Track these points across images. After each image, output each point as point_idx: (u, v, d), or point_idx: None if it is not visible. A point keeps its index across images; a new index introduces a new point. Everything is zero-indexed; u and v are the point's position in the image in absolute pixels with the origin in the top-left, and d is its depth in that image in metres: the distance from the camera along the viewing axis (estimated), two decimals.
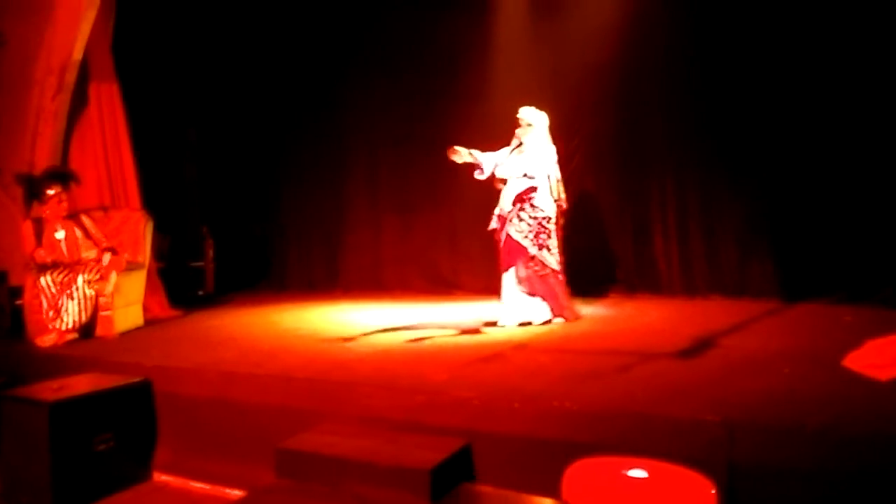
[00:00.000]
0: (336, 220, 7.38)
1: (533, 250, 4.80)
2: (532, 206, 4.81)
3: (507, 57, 6.31)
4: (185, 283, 7.09)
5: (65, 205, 5.17)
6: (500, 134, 5.21)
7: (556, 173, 4.92)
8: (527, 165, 4.84)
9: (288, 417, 3.34)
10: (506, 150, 4.97)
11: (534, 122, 4.92)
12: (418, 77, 6.73)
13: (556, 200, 4.91)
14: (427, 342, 4.37)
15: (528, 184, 4.80)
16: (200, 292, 7.33)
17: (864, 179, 4.95)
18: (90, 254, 5.09)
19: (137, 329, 5.27)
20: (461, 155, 4.89)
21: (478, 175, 4.98)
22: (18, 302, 5.21)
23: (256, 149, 7.74)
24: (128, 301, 5.27)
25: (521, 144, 4.93)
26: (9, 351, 4.74)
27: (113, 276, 5.05)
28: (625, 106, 5.97)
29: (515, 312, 4.82)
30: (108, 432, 3.53)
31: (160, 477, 3.71)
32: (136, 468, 3.68)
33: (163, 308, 5.92)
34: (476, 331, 4.72)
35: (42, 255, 4.95)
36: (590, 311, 5.32)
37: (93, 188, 5.85)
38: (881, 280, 4.79)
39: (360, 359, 3.95)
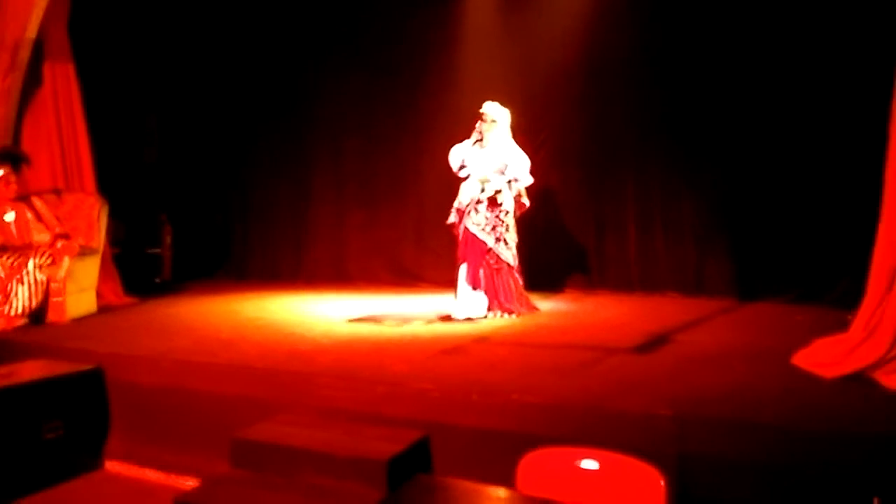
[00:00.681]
0: (300, 211, 7.31)
1: (490, 243, 4.83)
2: (492, 198, 4.85)
3: (473, 52, 6.33)
4: (141, 269, 6.94)
5: (14, 186, 5.01)
6: (465, 128, 5.22)
7: (526, 178, 4.95)
8: (494, 163, 4.87)
9: (245, 408, 3.31)
10: (467, 143, 5.00)
11: (497, 119, 4.95)
12: (385, 70, 6.70)
13: (517, 198, 4.96)
14: (388, 334, 4.37)
15: (494, 186, 4.83)
16: (157, 280, 7.18)
17: (819, 183, 5.10)
18: (42, 237, 4.95)
19: (90, 316, 5.14)
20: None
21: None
22: None
23: (220, 135, 7.60)
24: (80, 287, 5.14)
25: (481, 139, 4.95)
26: None
27: (65, 261, 4.91)
28: (590, 103, 6.03)
29: (466, 306, 4.85)
30: (57, 420, 3.45)
31: (112, 466, 3.65)
32: (87, 457, 3.61)
33: (117, 295, 5.78)
34: (437, 323, 4.73)
35: None
36: (549, 305, 5.38)
37: (46, 170, 5.67)
38: (832, 281, 4.95)
39: (320, 349, 3.92)
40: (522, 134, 5.23)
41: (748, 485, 2.46)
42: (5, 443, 3.22)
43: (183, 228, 7.54)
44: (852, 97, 4.79)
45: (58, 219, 5.15)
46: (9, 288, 4.70)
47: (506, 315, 4.86)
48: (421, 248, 6.77)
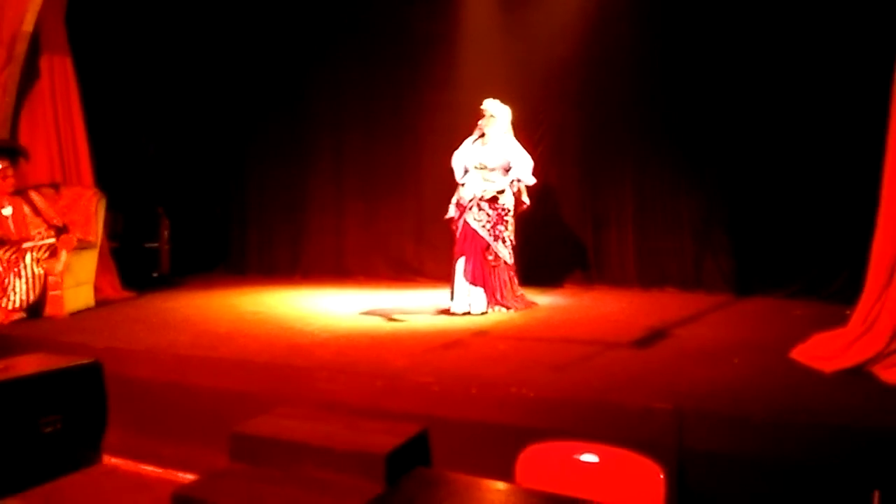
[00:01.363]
0: (299, 205, 7.29)
1: (489, 240, 4.84)
2: (493, 197, 4.85)
3: (473, 47, 6.30)
4: (139, 264, 6.92)
5: (11, 181, 5.00)
6: (464, 123, 5.21)
7: (529, 179, 4.94)
8: (495, 159, 4.87)
9: (244, 402, 3.30)
10: (467, 141, 5.00)
11: (497, 115, 4.94)
12: (385, 65, 6.69)
13: (516, 195, 4.96)
14: (388, 328, 4.37)
15: (496, 186, 4.83)
16: (155, 274, 7.17)
17: (817, 178, 5.09)
18: (39, 231, 4.93)
19: (88, 310, 5.13)
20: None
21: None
22: None
23: (218, 129, 7.58)
24: (78, 281, 5.13)
25: (483, 136, 4.95)
26: None
27: (63, 255, 4.90)
28: (588, 99, 6.02)
29: (464, 301, 4.85)
30: (55, 414, 3.44)
31: (110, 460, 3.63)
32: (86, 451, 3.60)
33: (115, 289, 5.77)
34: (436, 317, 4.73)
35: None
36: (548, 300, 5.38)
37: (43, 164, 5.65)
38: (831, 276, 4.95)
39: (320, 343, 3.92)
40: (521, 130, 5.22)
41: (747, 478, 2.46)
42: (3, 437, 3.21)
43: (181, 222, 7.52)
44: (851, 92, 4.78)
45: (56, 212, 5.13)
46: (6, 282, 4.68)
47: (503, 310, 4.86)
48: (420, 243, 6.76)
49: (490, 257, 4.86)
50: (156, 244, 7.29)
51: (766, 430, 2.48)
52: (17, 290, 4.70)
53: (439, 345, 3.83)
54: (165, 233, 7.34)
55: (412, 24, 6.52)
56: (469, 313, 4.78)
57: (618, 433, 2.47)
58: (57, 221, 5.03)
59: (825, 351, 3.20)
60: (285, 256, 7.37)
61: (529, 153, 5.04)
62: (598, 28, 5.87)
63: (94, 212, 5.42)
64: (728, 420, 2.55)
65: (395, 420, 2.96)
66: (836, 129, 4.96)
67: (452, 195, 5.06)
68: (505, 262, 4.91)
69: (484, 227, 4.86)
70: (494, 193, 4.85)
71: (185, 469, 3.30)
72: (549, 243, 6.13)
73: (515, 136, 5.06)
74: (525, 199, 5.06)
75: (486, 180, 4.88)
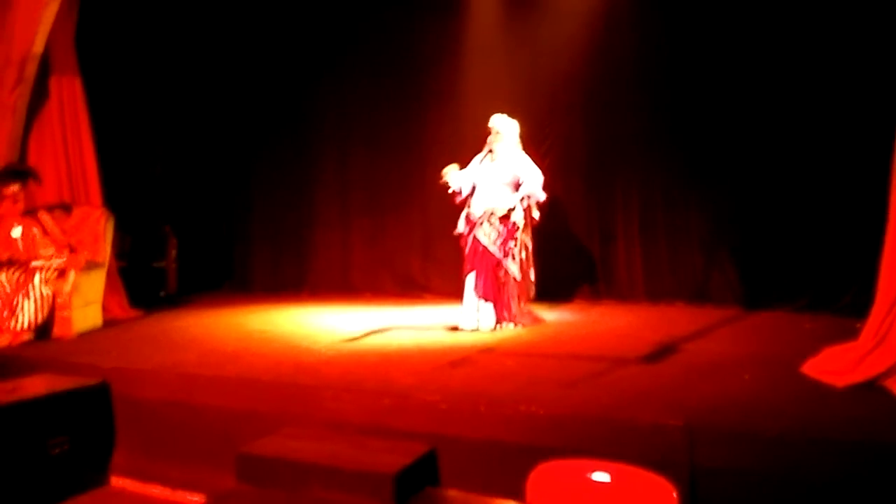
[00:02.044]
0: (305, 222, 7.31)
1: (499, 256, 4.83)
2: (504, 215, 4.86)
3: (479, 61, 6.33)
4: (146, 283, 6.93)
5: (20, 205, 5.05)
6: (470, 137, 5.23)
7: (539, 195, 4.93)
8: (504, 176, 4.87)
9: (251, 421, 3.29)
10: (476, 159, 5.01)
11: (504, 131, 4.95)
12: (391, 80, 6.72)
13: (526, 211, 4.95)
14: (395, 345, 4.35)
15: (507, 204, 4.82)
16: (162, 293, 7.17)
17: (826, 190, 5.07)
18: (48, 252, 4.96)
19: (96, 330, 5.14)
20: (450, 179, 4.95)
21: (458, 199, 5.01)
22: None
23: (225, 147, 7.63)
24: (86, 301, 5.14)
25: (491, 152, 4.96)
26: None
27: (71, 275, 4.92)
28: (595, 111, 6.03)
29: (473, 317, 4.83)
30: (63, 436, 3.44)
31: (118, 481, 3.62)
32: (93, 473, 3.59)
33: (123, 308, 5.78)
34: (444, 334, 4.71)
35: None
36: (555, 316, 5.36)
37: (52, 184, 5.69)
38: (841, 289, 4.91)
39: (326, 362, 3.91)
40: (527, 143, 5.22)
41: (760, 495, 2.43)
42: (11, 458, 3.21)
43: (188, 241, 7.55)
44: (859, 105, 4.77)
45: (64, 233, 5.16)
46: (15, 302, 4.70)
47: (511, 326, 4.84)
48: (427, 259, 6.76)
49: (501, 273, 4.85)
50: (163, 263, 7.31)
51: (778, 446, 2.45)
52: (26, 310, 4.71)
53: (446, 362, 3.81)
54: (173, 252, 7.36)
55: (418, 39, 6.55)
56: (478, 329, 4.76)
57: (628, 450, 2.45)
58: (65, 242, 5.05)
59: (837, 365, 3.17)
60: (292, 273, 7.37)
61: (536, 165, 5.03)
62: (604, 40, 5.89)
63: (102, 232, 5.45)
64: (739, 436, 2.53)
65: (403, 439, 2.94)
66: (845, 142, 4.94)
67: (459, 210, 5.06)
68: (514, 279, 4.89)
69: (494, 243, 4.85)
70: (505, 212, 4.85)
71: (193, 490, 3.28)
72: (555, 257, 6.09)
73: (522, 149, 5.06)
74: (535, 214, 5.05)
75: (496, 196, 4.87)
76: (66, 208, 5.56)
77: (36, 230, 5.03)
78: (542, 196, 4.97)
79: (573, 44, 5.96)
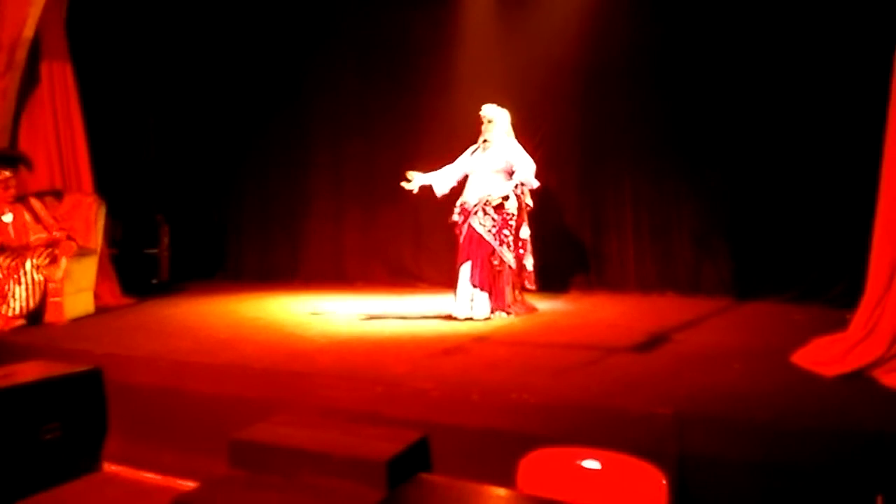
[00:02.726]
0: (298, 211, 7.29)
1: (495, 245, 4.84)
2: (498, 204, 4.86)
3: (472, 51, 6.32)
4: (138, 270, 6.91)
5: (12, 191, 5.01)
6: (462, 127, 5.22)
7: (532, 183, 4.94)
8: (496, 163, 4.87)
9: (244, 408, 3.29)
10: (468, 151, 5.01)
11: (495, 119, 4.95)
12: (384, 70, 6.71)
13: (519, 196, 4.96)
14: (388, 334, 4.36)
15: (501, 192, 4.83)
16: (154, 280, 7.15)
17: (817, 182, 5.10)
18: (40, 238, 4.93)
19: (88, 316, 5.12)
20: (415, 181, 5.01)
21: (439, 195, 5.06)
22: None
23: (217, 135, 7.59)
24: (78, 287, 5.12)
25: (486, 141, 4.96)
26: None
27: (63, 262, 4.90)
28: (587, 103, 6.03)
29: (467, 305, 4.85)
30: (55, 422, 3.44)
31: (110, 467, 3.63)
32: (86, 458, 3.59)
33: (115, 295, 5.76)
34: (437, 323, 4.72)
35: None
36: (548, 305, 5.38)
37: (43, 170, 5.65)
38: (831, 280, 4.95)
39: (319, 349, 3.91)
40: (520, 133, 5.22)
41: (749, 483, 2.46)
42: (3, 444, 3.20)
43: (180, 229, 7.52)
44: (849, 97, 4.79)
45: (55, 219, 5.14)
46: (6, 288, 4.68)
47: (504, 315, 4.86)
48: (419, 248, 6.76)
49: (496, 262, 4.86)
50: (155, 251, 7.28)
51: (767, 434, 2.48)
52: (18, 296, 4.70)
53: (439, 350, 3.83)
54: (165, 239, 7.33)
55: (410, 30, 6.54)
56: (472, 318, 4.77)
57: (618, 438, 2.47)
58: (57, 228, 5.03)
59: (826, 355, 3.20)
60: (284, 262, 7.37)
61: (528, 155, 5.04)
62: (597, 31, 5.88)
63: (93, 219, 5.42)
64: (729, 425, 2.55)
65: (396, 426, 2.96)
66: (836, 134, 4.97)
67: (451, 200, 5.06)
68: (510, 267, 4.90)
69: (489, 231, 4.86)
70: (500, 200, 4.85)
71: (185, 476, 3.28)
72: (548, 248, 6.09)
73: (515, 139, 5.06)
74: (528, 201, 5.05)
75: (489, 184, 4.88)
76: (58, 195, 5.53)
77: (27, 216, 5.00)
78: (535, 184, 4.98)
79: (567, 34, 5.95)
